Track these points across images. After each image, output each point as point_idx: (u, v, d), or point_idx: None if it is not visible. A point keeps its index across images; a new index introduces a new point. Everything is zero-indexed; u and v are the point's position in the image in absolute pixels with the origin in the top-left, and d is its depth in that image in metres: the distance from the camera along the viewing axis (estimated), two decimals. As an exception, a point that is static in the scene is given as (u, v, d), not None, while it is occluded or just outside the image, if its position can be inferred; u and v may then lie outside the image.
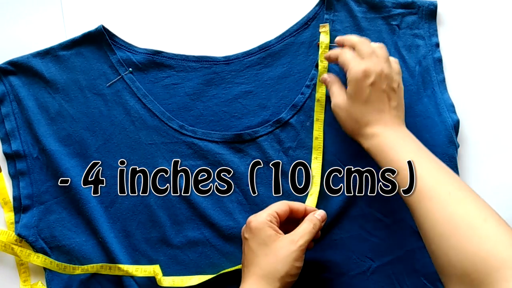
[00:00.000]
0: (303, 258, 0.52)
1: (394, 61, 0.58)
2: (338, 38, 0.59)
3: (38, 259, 0.60)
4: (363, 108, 0.54)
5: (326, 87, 0.60)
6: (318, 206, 0.60)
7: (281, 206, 0.54)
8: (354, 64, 0.54)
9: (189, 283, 0.59)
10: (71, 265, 0.60)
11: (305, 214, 0.56)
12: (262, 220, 0.52)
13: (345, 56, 0.56)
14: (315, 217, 0.55)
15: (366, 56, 0.54)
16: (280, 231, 0.53)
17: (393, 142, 0.53)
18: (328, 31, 0.63)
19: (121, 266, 0.59)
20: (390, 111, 0.54)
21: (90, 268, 0.60)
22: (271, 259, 0.51)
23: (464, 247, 0.42)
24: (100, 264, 0.60)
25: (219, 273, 0.59)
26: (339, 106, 0.56)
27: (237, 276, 0.58)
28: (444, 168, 0.50)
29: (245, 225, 0.55)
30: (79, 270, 0.60)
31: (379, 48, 0.56)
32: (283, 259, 0.51)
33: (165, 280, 0.59)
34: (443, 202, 0.46)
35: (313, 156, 0.61)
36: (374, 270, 0.59)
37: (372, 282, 0.59)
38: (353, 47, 0.56)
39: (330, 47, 0.63)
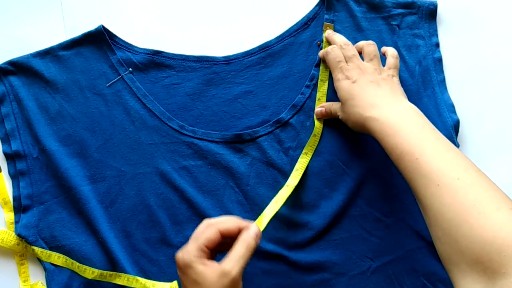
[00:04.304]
0: (240, 284, 0.47)
1: (391, 55, 0.59)
2: (326, 35, 0.63)
3: (59, 260, 0.60)
4: (355, 101, 0.55)
5: (326, 115, 0.61)
6: (318, 206, 0.60)
7: (209, 236, 0.48)
8: (336, 73, 0.58)
9: None
10: (91, 268, 0.59)
11: (239, 231, 0.50)
12: (189, 257, 0.47)
13: (330, 63, 0.59)
14: (249, 236, 0.49)
15: (348, 59, 0.58)
16: (211, 262, 0.48)
17: (393, 124, 0.51)
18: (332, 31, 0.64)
19: (139, 279, 0.59)
20: (382, 91, 0.55)
21: (109, 276, 0.59)
22: None
23: (478, 235, 0.41)
24: (119, 273, 0.59)
25: None
26: (342, 114, 0.58)
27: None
28: (450, 149, 0.48)
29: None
30: (97, 274, 0.59)
31: (366, 45, 0.59)
32: None
33: None
34: (451, 188, 0.44)
35: (304, 150, 0.61)
36: (374, 270, 0.59)
37: (372, 282, 0.59)
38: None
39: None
